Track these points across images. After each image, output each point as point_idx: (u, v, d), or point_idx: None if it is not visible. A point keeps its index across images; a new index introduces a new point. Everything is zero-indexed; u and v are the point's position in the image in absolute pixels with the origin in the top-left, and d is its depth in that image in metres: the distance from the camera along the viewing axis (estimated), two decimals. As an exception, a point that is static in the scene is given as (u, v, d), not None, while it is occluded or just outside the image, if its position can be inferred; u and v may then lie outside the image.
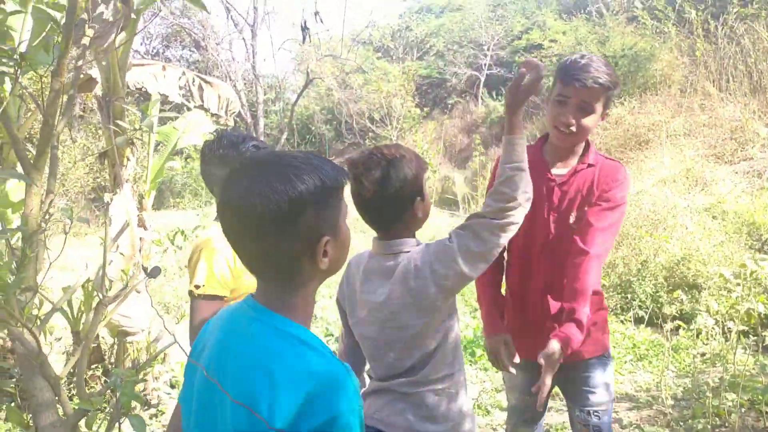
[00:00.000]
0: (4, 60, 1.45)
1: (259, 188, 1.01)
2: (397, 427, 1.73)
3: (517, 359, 2.13)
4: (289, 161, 1.06)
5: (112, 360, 3.92)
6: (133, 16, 1.96)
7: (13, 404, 2.83)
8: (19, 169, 1.54)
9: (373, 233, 1.84)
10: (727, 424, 3.24)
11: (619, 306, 5.22)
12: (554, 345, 1.87)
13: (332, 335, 5.31)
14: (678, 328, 4.20)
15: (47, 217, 1.40)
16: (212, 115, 4.98)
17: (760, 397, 3.29)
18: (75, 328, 3.44)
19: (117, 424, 1.36)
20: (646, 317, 4.94)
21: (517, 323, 2.24)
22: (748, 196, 6.49)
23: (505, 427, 2.51)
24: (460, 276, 1.62)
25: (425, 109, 17.59)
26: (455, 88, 18.59)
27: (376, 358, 1.79)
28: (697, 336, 4.27)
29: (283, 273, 1.10)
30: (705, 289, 4.80)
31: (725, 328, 3.80)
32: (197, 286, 1.81)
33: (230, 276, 1.89)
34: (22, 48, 2.18)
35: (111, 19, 1.85)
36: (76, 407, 1.33)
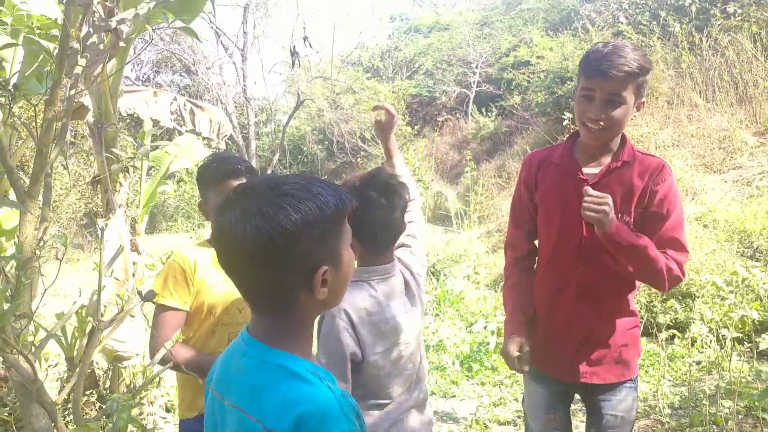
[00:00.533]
0: (-4, 90, 1.48)
1: (252, 217, 0.97)
2: None
3: (526, 367, 2.02)
4: (286, 189, 1.01)
5: (107, 385, 3.90)
6: (122, 44, 1.99)
7: (8, 434, 2.82)
8: (12, 197, 1.56)
9: None
10: (724, 431, 3.25)
11: (614, 317, 5.23)
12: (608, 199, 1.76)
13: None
14: (673, 337, 4.22)
15: (41, 244, 1.42)
16: (204, 138, 5.01)
17: (756, 403, 3.30)
18: (69, 354, 3.43)
19: (114, 449, 1.37)
20: (641, 327, 4.95)
21: (542, 335, 2.09)
22: (738, 204, 6.55)
23: None
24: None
25: (416, 127, 17.67)
26: (445, 106, 18.72)
27: (406, 377, 1.80)
28: (692, 344, 4.29)
29: (277, 304, 1.06)
30: (698, 297, 4.82)
31: (720, 335, 3.83)
32: (157, 296, 1.89)
33: (186, 289, 1.96)
34: (14, 78, 2.21)
35: (101, 47, 1.88)
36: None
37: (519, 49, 15.50)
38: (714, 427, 3.32)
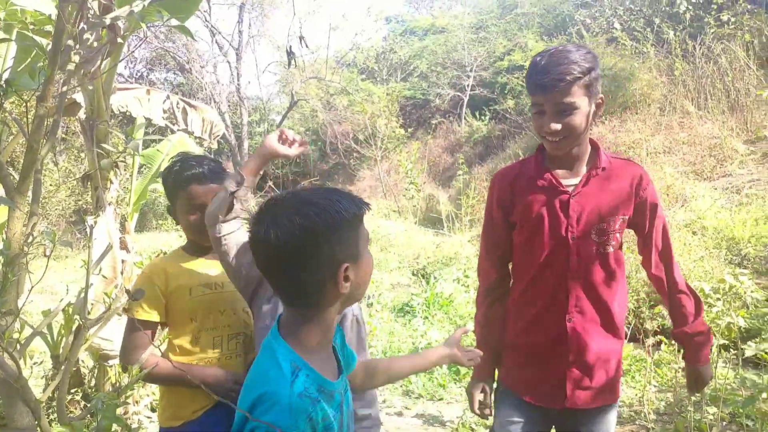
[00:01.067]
0: (-13, 86, 1.47)
1: (282, 224, 1.13)
2: None
3: (488, 412, 2.00)
4: (308, 197, 1.18)
5: (92, 384, 3.88)
6: (119, 40, 1.99)
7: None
8: (1, 192, 1.55)
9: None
10: (709, 438, 3.27)
11: (602, 322, 5.25)
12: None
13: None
14: (660, 343, 4.24)
15: (30, 240, 1.41)
16: (196, 138, 5.00)
17: (740, 410, 3.32)
18: (55, 351, 3.40)
19: (99, 448, 1.36)
20: (629, 333, 4.98)
21: (523, 359, 1.97)
22: (727, 211, 6.60)
23: None
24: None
25: (409, 130, 17.72)
26: (439, 109, 18.77)
27: None
28: (679, 351, 4.31)
29: (307, 299, 1.20)
30: (686, 304, 4.85)
31: (706, 342, 3.85)
32: (126, 309, 1.88)
33: (157, 301, 1.95)
34: (6, 74, 2.20)
35: (96, 44, 1.88)
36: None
37: (513, 53, 15.57)
38: (699, 433, 3.34)
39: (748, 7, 10.57)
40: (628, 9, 13.18)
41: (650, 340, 4.18)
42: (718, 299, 3.67)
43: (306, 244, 1.14)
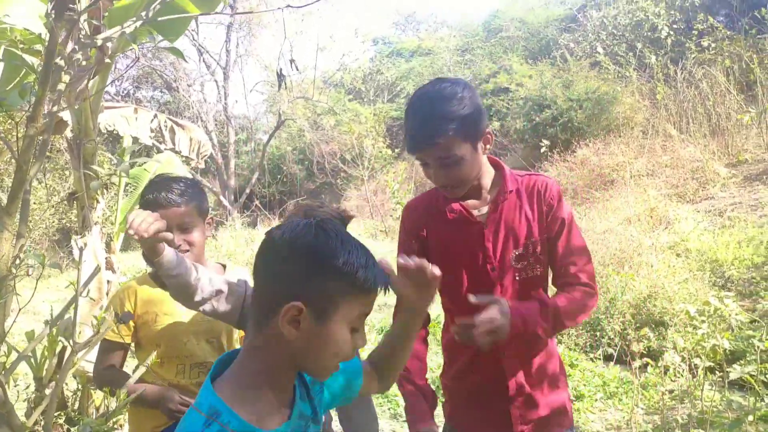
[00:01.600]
0: (-23, 105, 1.46)
1: (297, 228, 1.04)
2: None
3: None
4: (348, 235, 1.09)
5: (75, 407, 3.81)
6: (107, 60, 1.99)
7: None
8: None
9: None
10: (696, 461, 3.27)
11: (588, 344, 5.27)
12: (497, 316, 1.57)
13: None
14: (646, 365, 4.26)
15: (17, 262, 1.40)
16: (184, 157, 4.98)
17: (727, 433, 3.34)
18: (38, 374, 3.34)
19: (84, 474, 1.34)
20: (615, 355, 5.00)
21: (469, 401, 1.87)
22: (710, 234, 6.68)
23: None
24: None
25: (396, 150, 17.80)
26: (425, 130, 18.87)
27: None
28: (665, 373, 4.33)
29: (259, 322, 1.04)
30: (671, 326, 4.89)
31: (692, 364, 3.87)
32: (129, 316, 1.92)
33: (128, 324, 1.98)
34: (-6, 92, 2.18)
35: (85, 64, 1.87)
36: (43, 457, 1.30)
37: (499, 75, 15.76)
38: (686, 455, 3.35)
39: (728, 33, 10.83)
40: (611, 34, 13.43)
41: (637, 363, 4.19)
42: (703, 321, 3.71)
43: (295, 256, 1.00)
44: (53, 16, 1.42)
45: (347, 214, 2.09)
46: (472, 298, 1.60)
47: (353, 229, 13.04)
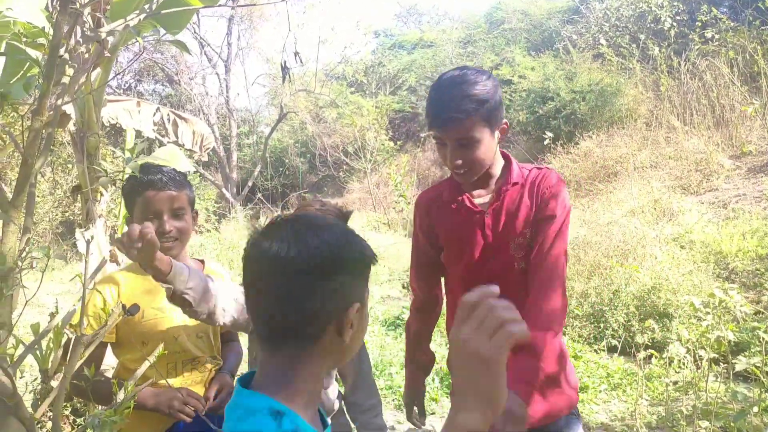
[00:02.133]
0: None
1: (306, 241, 0.98)
2: None
3: (422, 423, 2.09)
4: (327, 220, 1.07)
5: (81, 399, 3.82)
6: (107, 54, 1.98)
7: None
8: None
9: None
10: (701, 452, 3.28)
11: (592, 335, 5.27)
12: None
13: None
14: (650, 356, 4.25)
15: (23, 255, 1.40)
16: (187, 150, 4.98)
17: (732, 424, 3.34)
18: (44, 366, 3.36)
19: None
20: (619, 346, 5.00)
21: None
22: (714, 226, 6.67)
23: None
24: None
25: (398, 143, 17.78)
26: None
27: None
28: (669, 364, 4.33)
29: (305, 336, 0.99)
30: (676, 317, 4.88)
31: (696, 356, 3.87)
32: (71, 325, 1.71)
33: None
34: (-2, 85, 2.18)
35: (88, 56, 1.87)
36: (51, 449, 1.31)
37: (501, 68, 15.69)
38: (691, 447, 3.35)
39: (731, 24, 10.77)
40: (614, 25, 13.36)
41: (641, 354, 4.19)
42: (708, 313, 3.70)
43: (328, 266, 0.97)
44: (58, 9, 1.42)
45: (346, 210, 2.10)
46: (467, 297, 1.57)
47: (356, 222, 13.02)
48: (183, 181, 1.97)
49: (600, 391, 4.42)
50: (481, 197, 1.85)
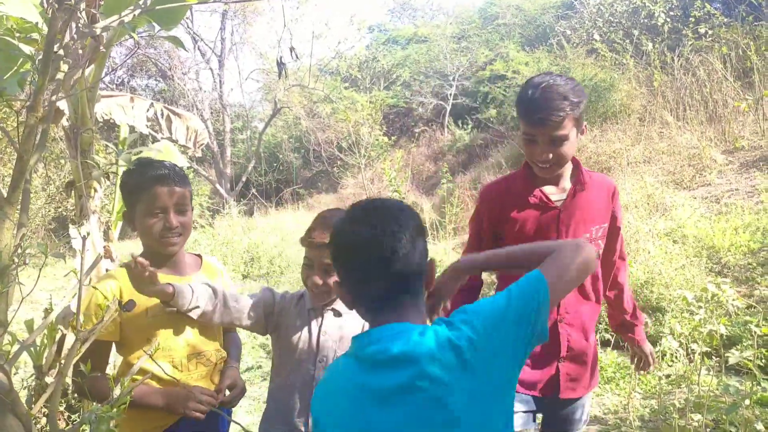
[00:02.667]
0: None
1: (398, 221, 1.23)
2: None
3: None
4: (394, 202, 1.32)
5: (76, 395, 3.82)
6: (103, 49, 1.97)
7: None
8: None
9: None
10: (693, 445, 3.31)
11: (586, 330, 5.29)
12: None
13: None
14: (644, 351, 4.28)
15: (19, 251, 1.40)
16: (181, 146, 4.97)
17: (724, 417, 3.37)
18: (38, 362, 3.35)
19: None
20: (612, 340, 5.03)
21: None
22: (706, 220, 6.70)
23: None
24: None
25: (393, 138, 17.78)
26: (422, 117, 18.86)
27: None
28: (662, 358, 4.37)
29: (416, 284, 1.27)
30: (668, 311, 4.92)
31: (689, 349, 3.90)
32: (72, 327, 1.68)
33: (115, 317, 1.80)
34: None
35: (82, 52, 1.86)
36: (48, 445, 1.31)
37: (495, 63, 15.70)
38: (683, 440, 3.38)
39: (725, 20, 10.79)
40: (608, 21, 13.38)
41: (634, 348, 4.22)
42: (700, 307, 3.72)
43: (422, 229, 1.26)
44: (54, 4, 1.41)
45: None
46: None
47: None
48: (185, 176, 1.98)
49: (593, 385, 4.45)
50: (554, 194, 2.03)
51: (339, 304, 1.97)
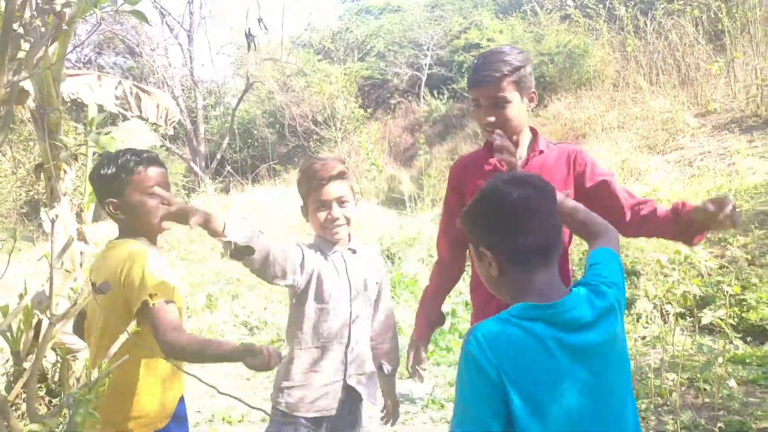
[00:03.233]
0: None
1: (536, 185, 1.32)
2: None
3: (424, 366, 2.23)
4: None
5: (56, 379, 3.80)
6: (65, 27, 1.91)
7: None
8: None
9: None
10: (668, 403, 3.40)
11: (564, 296, 5.38)
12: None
13: (283, 340, 5.27)
14: (620, 314, 4.36)
15: (-13, 236, 1.37)
16: (152, 124, 4.88)
17: (698, 375, 3.47)
18: (15, 348, 3.31)
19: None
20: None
21: None
22: (680, 184, 6.81)
23: None
24: None
25: (369, 110, 17.64)
26: (397, 89, 18.72)
27: None
28: (638, 320, 4.46)
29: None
30: (643, 275, 5.01)
31: (663, 311, 3.99)
32: (152, 295, 1.75)
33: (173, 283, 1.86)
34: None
35: (44, 30, 1.80)
36: (28, 431, 1.30)
37: (470, 31, 15.59)
38: (659, 398, 3.47)
39: (696, -18, 10.81)
40: (581, -14, 13.33)
41: (610, 312, 4.30)
42: (674, 269, 3.80)
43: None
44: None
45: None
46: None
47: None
48: (157, 157, 2.06)
49: (572, 349, 4.53)
50: None
51: (353, 243, 2.10)
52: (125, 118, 4.77)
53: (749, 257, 4.88)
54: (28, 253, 9.36)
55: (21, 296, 3.32)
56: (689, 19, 9.99)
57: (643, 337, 4.43)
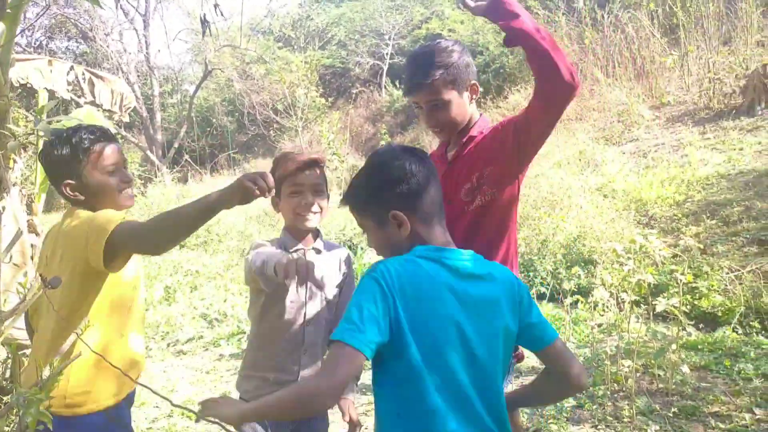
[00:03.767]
0: None
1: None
2: None
3: None
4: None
5: (6, 376, 3.67)
6: (9, 10, 1.83)
7: None
8: None
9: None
10: (624, 389, 3.48)
11: (523, 285, 5.46)
12: None
13: (244, 332, 5.22)
14: (577, 301, 4.45)
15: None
16: (106, 111, 4.73)
17: (652, 361, 3.56)
18: (-37, 344, 3.19)
19: (21, 445, 1.29)
20: (548, 293, 5.20)
21: None
22: (635, 174, 6.96)
23: None
24: None
25: (330, 99, 17.53)
26: (359, 78, 18.65)
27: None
28: (594, 308, 4.54)
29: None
30: (600, 263, 5.11)
31: (619, 299, 4.07)
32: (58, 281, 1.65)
33: None
34: None
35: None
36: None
37: (431, 21, 15.63)
38: (615, 384, 3.55)
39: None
40: (541, -22, 13.45)
41: (568, 300, 4.38)
42: (629, 258, 3.89)
43: None
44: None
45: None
46: None
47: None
48: (109, 132, 1.96)
49: (531, 337, 4.60)
50: (452, 151, 2.04)
51: (318, 243, 2.05)
52: (78, 105, 4.62)
53: (701, 246, 5.03)
54: (-24, 245, 9.02)
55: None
56: (645, 12, 10.20)
57: (600, 325, 4.52)
